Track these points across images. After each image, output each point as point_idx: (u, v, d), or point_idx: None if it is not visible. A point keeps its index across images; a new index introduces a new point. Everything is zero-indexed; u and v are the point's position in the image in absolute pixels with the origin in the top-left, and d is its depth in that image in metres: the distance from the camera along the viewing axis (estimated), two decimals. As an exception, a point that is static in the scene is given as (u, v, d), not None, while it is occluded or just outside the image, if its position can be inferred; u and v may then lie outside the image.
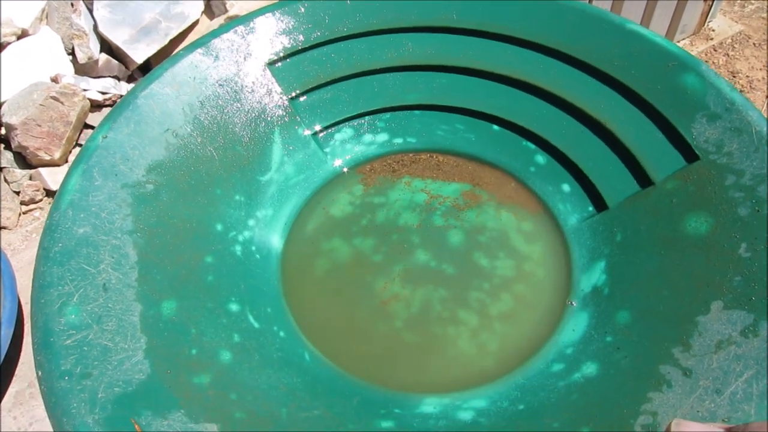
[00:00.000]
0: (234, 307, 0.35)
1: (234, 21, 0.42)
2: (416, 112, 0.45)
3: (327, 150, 0.44)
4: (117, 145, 0.36)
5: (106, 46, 1.27)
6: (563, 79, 0.42)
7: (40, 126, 1.05)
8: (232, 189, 0.40)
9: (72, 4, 1.20)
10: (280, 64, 0.43)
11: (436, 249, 0.40)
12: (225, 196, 0.39)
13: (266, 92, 0.42)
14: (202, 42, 0.41)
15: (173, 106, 0.39)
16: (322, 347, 0.36)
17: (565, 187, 0.41)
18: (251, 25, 0.42)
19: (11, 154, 1.12)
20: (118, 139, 0.36)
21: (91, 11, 1.22)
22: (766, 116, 0.33)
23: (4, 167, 1.10)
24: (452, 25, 0.44)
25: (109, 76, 1.25)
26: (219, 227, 0.38)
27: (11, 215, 1.10)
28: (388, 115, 0.45)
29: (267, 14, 0.43)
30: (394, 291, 0.38)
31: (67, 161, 1.12)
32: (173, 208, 0.37)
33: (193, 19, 1.29)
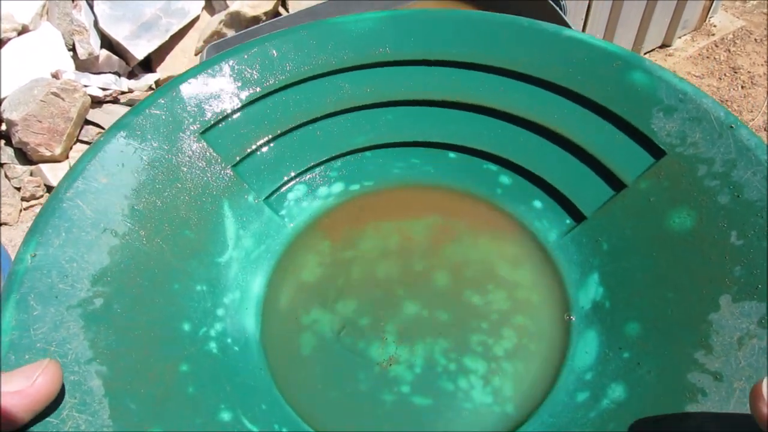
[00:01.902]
0: (225, 415, 0.31)
1: (154, 93, 0.38)
2: (367, 153, 0.42)
3: (283, 213, 0.40)
4: (50, 262, 0.31)
5: (107, 42, 1.24)
6: (511, 95, 0.40)
7: (40, 122, 1.00)
8: (191, 280, 0.35)
9: (72, 0, 1.15)
10: (213, 131, 0.39)
11: (423, 296, 0.37)
12: (185, 289, 0.35)
13: (205, 165, 0.38)
14: (124, 123, 0.36)
15: (106, 201, 0.34)
16: None
17: (537, 204, 0.40)
18: (174, 94, 0.38)
19: (12, 149, 1.07)
20: (50, 253, 0.31)
21: (91, 7, 1.19)
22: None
23: (5, 163, 1.04)
24: (387, 59, 0.42)
25: (110, 72, 1.22)
26: (186, 327, 0.34)
27: (12, 211, 1.04)
28: (338, 162, 0.42)
29: (189, 80, 0.39)
30: (391, 353, 0.35)
31: (67, 157, 1.08)
32: (131, 318, 0.32)
33: (194, 15, 1.27)
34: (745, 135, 0.34)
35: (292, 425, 0.33)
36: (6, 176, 1.04)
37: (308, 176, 0.42)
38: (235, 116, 0.40)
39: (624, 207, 0.36)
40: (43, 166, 1.07)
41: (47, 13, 1.18)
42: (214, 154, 0.39)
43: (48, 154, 1.03)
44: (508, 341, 0.36)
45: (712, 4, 1.41)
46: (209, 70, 0.39)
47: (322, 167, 0.42)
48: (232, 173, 0.39)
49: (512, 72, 0.40)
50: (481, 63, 0.41)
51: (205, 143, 0.38)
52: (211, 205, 0.38)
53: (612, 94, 0.38)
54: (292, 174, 0.41)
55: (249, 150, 0.40)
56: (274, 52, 0.41)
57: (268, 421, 0.32)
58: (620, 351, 0.33)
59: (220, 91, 0.39)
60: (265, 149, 0.40)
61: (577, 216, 0.38)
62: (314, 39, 0.42)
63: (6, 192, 1.04)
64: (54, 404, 0.27)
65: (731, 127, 0.34)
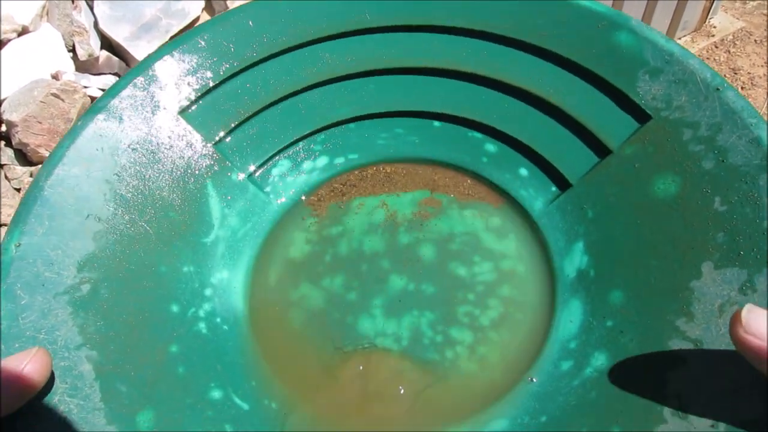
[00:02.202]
0: (216, 393, 0.32)
1: (129, 73, 0.37)
2: (351, 125, 0.42)
3: (267, 189, 0.40)
4: (35, 251, 0.31)
5: (107, 43, 1.23)
6: (494, 60, 0.40)
7: (40, 123, 1.00)
8: (178, 261, 0.36)
9: (72, 1, 1.16)
10: (193, 109, 0.38)
11: (410, 270, 0.37)
12: (172, 271, 0.35)
13: (186, 144, 0.38)
14: (100, 106, 0.36)
15: (87, 187, 0.34)
16: (323, 408, 0.33)
17: (523, 172, 0.39)
18: (150, 73, 0.38)
19: (12, 150, 1.08)
20: (34, 242, 0.32)
21: (91, 8, 1.18)
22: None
23: (5, 164, 1.05)
24: (367, 26, 0.40)
25: (110, 73, 1.22)
26: (175, 308, 0.34)
27: (12, 212, 1.05)
28: (322, 135, 0.41)
29: (165, 57, 0.38)
30: (379, 327, 0.36)
31: None
32: (119, 303, 0.32)
33: (194, 16, 1.26)
34: (732, 97, 0.33)
35: (281, 400, 0.33)
36: (6, 177, 1.04)
37: (292, 151, 0.41)
38: (213, 92, 0.39)
39: (609, 174, 0.36)
40: None
41: (47, 14, 1.17)
42: (195, 133, 0.38)
43: (48, 155, 1.03)
44: (494, 311, 0.36)
45: (711, 5, 1.36)
46: (184, 46, 0.39)
47: (305, 141, 0.41)
48: (214, 151, 0.39)
49: (495, 35, 0.39)
50: (463, 27, 0.40)
51: (184, 122, 0.38)
52: (195, 185, 0.38)
53: (597, 56, 0.37)
54: (276, 149, 0.40)
55: (230, 127, 0.39)
56: (250, 22, 0.40)
57: (258, 398, 0.33)
58: (604, 319, 0.33)
59: (197, 66, 0.39)
60: (246, 125, 0.40)
61: (563, 183, 0.38)
62: (291, 7, 0.40)
63: (6, 193, 1.04)
64: (45, 390, 0.28)
65: (717, 89, 0.33)
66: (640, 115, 0.36)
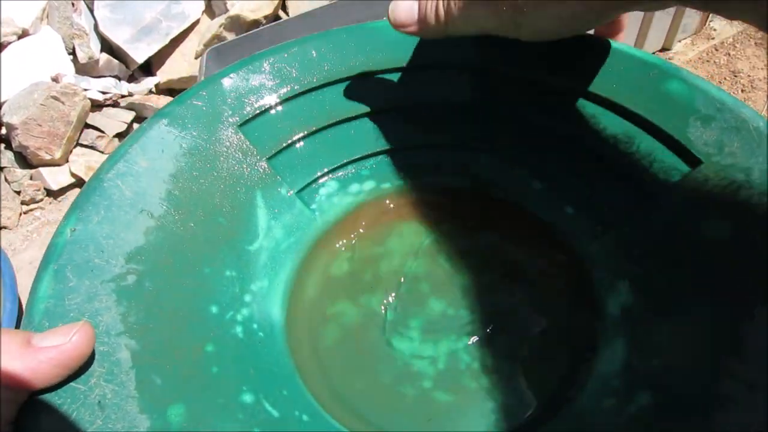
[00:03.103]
0: (247, 397, 0.32)
1: (196, 85, 0.39)
2: (400, 153, 0.43)
3: (314, 207, 0.41)
4: (88, 237, 0.32)
5: (107, 46, 1.27)
6: (549, 106, 0.41)
7: (40, 126, 1.02)
8: (222, 265, 0.36)
9: (73, 4, 1.20)
10: (251, 124, 0.40)
11: (449, 294, 0.37)
12: (215, 273, 0.36)
13: (241, 156, 0.39)
14: (166, 112, 0.38)
15: (144, 184, 0.35)
16: (352, 425, 0.32)
17: (569, 210, 0.39)
18: (215, 87, 0.39)
19: (12, 153, 1.09)
20: (89, 229, 0.32)
21: (91, 11, 1.22)
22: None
23: (5, 167, 1.06)
24: (422, 63, 0.42)
25: (110, 76, 1.24)
26: (214, 310, 0.34)
27: (12, 215, 1.06)
28: (371, 161, 0.42)
29: (231, 75, 0.40)
30: (415, 349, 0.35)
31: (67, 161, 1.09)
32: (161, 297, 0.33)
33: (194, 19, 1.30)
34: (785, 145, 0.33)
35: (312, 413, 0.33)
36: (6, 180, 1.06)
37: (341, 173, 0.42)
38: (272, 111, 0.41)
39: (658, 215, 0.36)
40: (43, 170, 1.08)
41: (47, 16, 1.20)
42: (251, 146, 0.39)
43: (48, 157, 1.04)
44: (533, 342, 0.35)
45: None
46: (250, 66, 0.41)
47: (354, 164, 0.42)
48: (266, 165, 0.40)
49: (553, 86, 0.40)
50: (521, 76, 0.41)
51: (242, 135, 0.39)
52: (245, 195, 0.38)
53: (649, 104, 0.38)
54: (325, 170, 0.41)
55: (284, 144, 0.40)
56: (314, 52, 0.42)
57: (289, 407, 0.32)
58: (650, 359, 0.32)
59: (260, 86, 0.41)
60: (299, 144, 0.41)
61: (609, 223, 0.38)
62: (353, 41, 0.43)
63: (6, 196, 1.06)
64: (82, 371, 0.28)
65: None
66: (691, 160, 0.36)
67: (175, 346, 0.32)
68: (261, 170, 0.40)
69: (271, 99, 0.41)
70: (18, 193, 1.09)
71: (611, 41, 0.40)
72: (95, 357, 0.29)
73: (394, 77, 0.43)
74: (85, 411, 0.27)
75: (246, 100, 0.40)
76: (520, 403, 0.33)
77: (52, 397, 0.27)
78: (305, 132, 0.41)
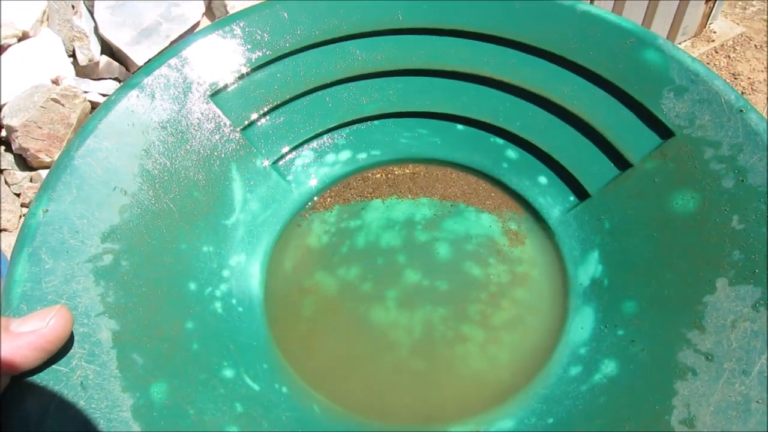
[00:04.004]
0: (228, 372, 0.32)
1: (164, 53, 0.38)
2: (376, 122, 0.42)
3: (290, 178, 0.41)
4: (62, 218, 0.32)
5: (107, 48, 1.23)
6: (521, 69, 0.40)
7: (40, 128, 1.00)
8: (198, 240, 0.36)
9: (73, 6, 1.16)
10: (223, 93, 0.39)
11: (425, 266, 0.38)
12: (192, 249, 0.36)
13: (214, 127, 0.38)
14: (134, 83, 0.36)
15: (116, 160, 0.35)
16: (330, 394, 0.34)
17: (542, 180, 0.40)
18: (184, 55, 0.38)
19: (12, 156, 1.08)
20: (62, 209, 0.32)
21: (91, 13, 1.18)
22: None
23: (5, 169, 1.04)
24: (399, 26, 0.41)
25: (110, 78, 1.21)
26: (192, 286, 0.35)
27: (11, 217, 1.05)
28: (347, 130, 0.42)
29: (199, 41, 0.39)
30: (391, 319, 0.36)
31: None
32: (139, 276, 0.33)
33: (194, 21, 1.26)
34: (755, 119, 0.34)
35: (291, 385, 0.34)
36: (6, 182, 1.04)
37: (316, 143, 0.42)
38: (244, 79, 0.40)
39: (628, 187, 0.37)
40: (43, 173, 1.07)
41: (47, 19, 1.17)
42: (224, 117, 0.39)
43: (48, 160, 1.03)
44: (507, 312, 0.36)
45: (712, 11, 1.38)
46: (219, 31, 0.39)
47: (330, 134, 0.42)
48: (240, 137, 0.39)
49: (524, 45, 0.40)
50: (493, 34, 0.40)
51: (214, 106, 0.39)
52: (220, 168, 0.38)
53: (623, 72, 0.38)
54: (301, 140, 0.41)
55: (258, 114, 0.40)
56: (285, 14, 0.41)
57: (268, 380, 0.33)
58: (615, 328, 0.33)
59: (231, 52, 0.39)
60: (273, 114, 0.41)
61: (581, 193, 0.38)
62: (326, 3, 0.41)
63: (6, 198, 1.04)
64: (63, 353, 0.28)
65: (741, 110, 0.34)
66: (663, 132, 0.36)
67: (154, 325, 0.32)
68: (235, 142, 0.39)
69: (242, 66, 0.40)
70: (18, 195, 1.07)
71: (589, 6, 0.39)
72: (76, 338, 0.29)
73: (370, 42, 0.42)
74: (68, 392, 0.28)
75: (216, 68, 0.39)
76: (491, 370, 0.34)
77: (34, 380, 0.27)
78: (279, 101, 0.41)
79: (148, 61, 0.34)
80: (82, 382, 0.28)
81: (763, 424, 0.26)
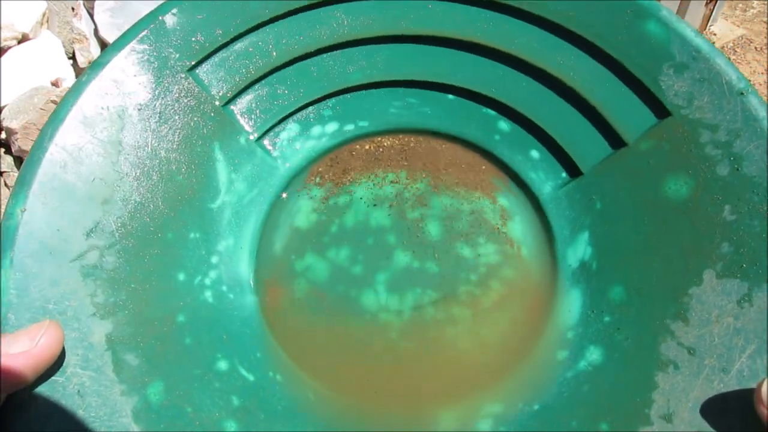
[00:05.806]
0: (223, 364, 0.33)
1: (135, 25, 0.35)
2: (363, 92, 0.40)
3: (276, 154, 0.39)
4: (41, 217, 0.31)
5: None
6: (516, 37, 0.38)
7: (40, 130, 0.97)
8: (184, 227, 0.35)
9: (73, 8, 1.11)
10: (202, 67, 0.37)
11: (415, 246, 0.38)
12: (178, 238, 0.35)
13: (194, 104, 0.36)
14: (104, 62, 0.34)
15: (91, 149, 0.33)
16: (324, 381, 0.35)
17: (534, 154, 0.39)
18: (157, 26, 0.36)
19: (11, 158, 1.07)
20: (40, 208, 0.31)
21: (91, 15, 1.14)
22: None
23: (5, 171, 1.03)
24: None
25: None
26: (181, 276, 0.34)
27: None
28: (333, 100, 0.40)
29: (173, 10, 0.36)
30: (382, 302, 0.36)
31: None
32: (126, 271, 0.32)
33: None
34: (755, 104, 0.33)
35: (286, 373, 0.34)
36: (5, 185, 1.01)
37: (302, 115, 0.40)
38: (223, 50, 0.37)
39: (622, 167, 0.36)
40: None
41: (47, 21, 1.11)
42: (203, 93, 0.37)
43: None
44: (496, 293, 0.37)
45: (712, 13, 1.30)
46: (195, -2, 0.36)
47: (316, 106, 0.40)
48: (222, 113, 0.37)
49: (520, 11, 0.38)
50: (487, 0, 0.38)
51: (192, 80, 0.36)
52: (202, 148, 0.37)
53: (623, 45, 0.36)
54: (286, 113, 0.39)
55: (239, 88, 0.38)
56: None
57: (263, 369, 0.34)
58: (602, 314, 0.34)
59: (207, 21, 0.37)
60: (256, 86, 0.39)
61: (574, 171, 0.38)
62: None
63: (5, 200, 1.01)
64: (58, 363, 0.28)
65: (741, 93, 0.33)
66: (660, 111, 0.35)
67: (146, 321, 0.32)
68: (217, 119, 0.37)
69: (221, 36, 0.37)
70: (18, 197, 1.05)
71: None
72: (68, 344, 0.29)
73: (356, 6, 0.39)
74: (66, 402, 0.28)
75: (193, 39, 0.37)
76: (480, 352, 0.35)
77: (30, 393, 0.28)
78: (262, 72, 0.38)
79: (119, 38, 0.31)
80: (79, 390, 0.28)
81: (738, 424, 0.28)
